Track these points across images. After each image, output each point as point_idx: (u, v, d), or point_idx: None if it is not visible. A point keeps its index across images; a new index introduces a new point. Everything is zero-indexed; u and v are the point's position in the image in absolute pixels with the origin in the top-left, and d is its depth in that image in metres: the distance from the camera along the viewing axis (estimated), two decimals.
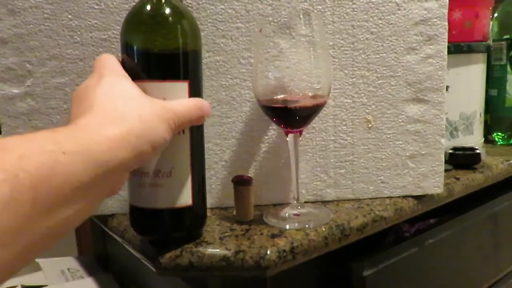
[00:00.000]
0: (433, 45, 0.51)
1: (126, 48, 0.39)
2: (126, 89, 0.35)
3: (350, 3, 0.49)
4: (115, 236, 0.50)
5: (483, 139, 0.81)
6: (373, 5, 0.49)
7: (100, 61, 0.37)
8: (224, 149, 0.51)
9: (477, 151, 0.67)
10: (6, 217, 0.23)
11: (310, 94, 0.43)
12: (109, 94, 0.33)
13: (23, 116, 0.48)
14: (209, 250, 0.41)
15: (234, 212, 0.48)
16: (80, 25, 0.47)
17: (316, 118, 0.49)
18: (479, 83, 0.77)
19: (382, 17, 0.50)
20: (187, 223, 0.41)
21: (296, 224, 0.45)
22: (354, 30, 0.50)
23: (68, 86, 0.48)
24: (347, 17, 0.49)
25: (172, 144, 0.37)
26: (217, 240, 0.42)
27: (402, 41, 0.50)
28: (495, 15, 0.86)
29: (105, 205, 0.51)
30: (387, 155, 0.53)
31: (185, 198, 0.40)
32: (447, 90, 0.69)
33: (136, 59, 0.38)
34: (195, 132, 0.40)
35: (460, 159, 0.67)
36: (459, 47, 0.72)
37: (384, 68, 0.51)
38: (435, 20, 0.50)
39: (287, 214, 0.47)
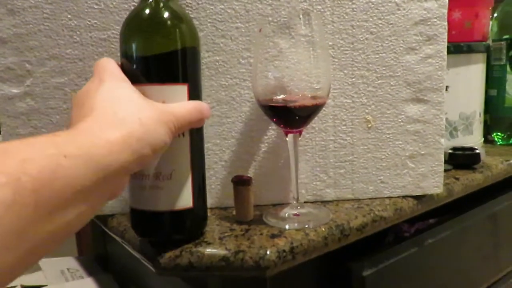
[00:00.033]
0: (432, 45, 0.51)
1: (126, 52, 0.39)
2: (126, 93, 0.35)
3: (350, 3, 0.49)
4: (115, 236, 0.50)
5: (483, 139, 0.81)
6: (372, 5, 0.49)
7: (99, 65, 0.37)
8: (223, 149, 0.51)
9: (477, 151, 0.67)
10: (9, 220, 0.23)
11: (309, 94, 0.43)
12: (110, 98, 0.34)
13: (22, 116, 0.48)
14: (209, 250, 0.41)
15: (234, 212, 0.48)
16: (79, 25, 0.47)
17: (316, 118, 0.49)
18: (478, 83, 0.77)
19: (382, 17, 0.50)
20: (188, 225, 0.41)
21: (296, 224, 0.45)
22: (354, 30, 0.50)
23: (68, 86, 0.48)
24: (346, 17, 0.49)
25: (173, 147, 0.37)
26: (216, 240, 0.42)
27: (401, 41, 0.50)
28: (495, 15, 0.86)
29: (105, 205, 0.50)
30: (387, 155, 0.53)
31: (186, 200, 0.40)
32: (446, 90, 0.69)
33: (135, 63, 0.39)
34: (195, 134, 0.40)
35: (460, 159, 0.67)
36: (458, 47, 0.72)
37: (384, 68, 0.51)
38: (435, 20, 0.50)
39: (286, 214, 0.47)
